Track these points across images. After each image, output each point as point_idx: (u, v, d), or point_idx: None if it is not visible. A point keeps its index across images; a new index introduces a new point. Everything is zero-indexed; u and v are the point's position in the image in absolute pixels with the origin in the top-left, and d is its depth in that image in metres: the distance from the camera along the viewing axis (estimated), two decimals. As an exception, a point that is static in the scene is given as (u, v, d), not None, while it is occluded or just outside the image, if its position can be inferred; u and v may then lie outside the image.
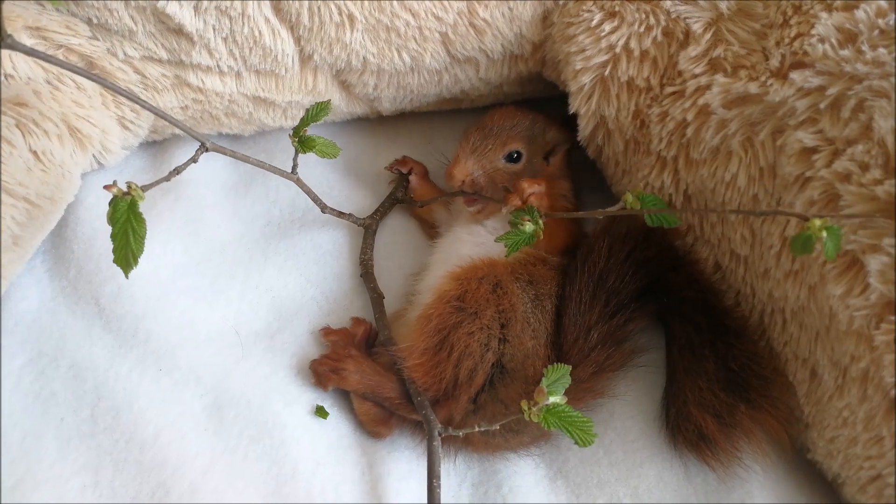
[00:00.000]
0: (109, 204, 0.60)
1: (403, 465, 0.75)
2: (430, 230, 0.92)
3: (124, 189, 0.60)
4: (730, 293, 0.80)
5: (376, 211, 0.91)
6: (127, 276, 0.61)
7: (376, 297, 0.83)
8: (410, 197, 0.93)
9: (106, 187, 0.60)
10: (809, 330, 0.72)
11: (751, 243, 0.76)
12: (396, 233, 0.92)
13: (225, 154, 0.72)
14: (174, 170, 0.67)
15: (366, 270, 0.86)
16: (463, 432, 0.70)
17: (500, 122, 0.86)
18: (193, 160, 0.69)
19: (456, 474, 0.76)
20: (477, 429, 0.69)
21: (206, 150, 0.70)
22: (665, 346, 0.82)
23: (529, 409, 0.64)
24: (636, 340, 0.81)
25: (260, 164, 0.76)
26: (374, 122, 1.04)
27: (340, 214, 0.88)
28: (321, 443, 0.74)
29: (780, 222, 0.72)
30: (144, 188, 0.62)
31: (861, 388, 0.67)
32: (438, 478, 0.68)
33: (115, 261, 0.60)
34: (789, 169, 0.70)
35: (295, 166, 0.79)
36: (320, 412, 0.76)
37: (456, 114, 1.04)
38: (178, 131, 0.95)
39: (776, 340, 0.76)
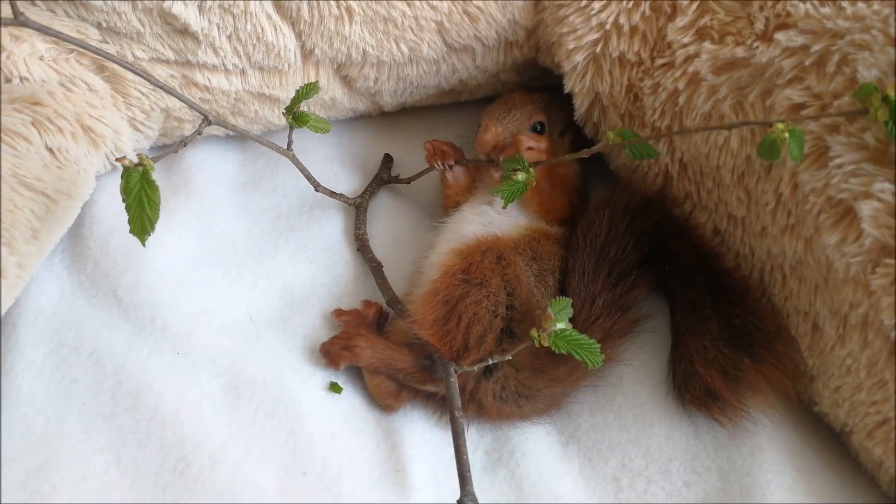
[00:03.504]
0: (122, 176, 0.63)
1: (417, 436, 0.77)
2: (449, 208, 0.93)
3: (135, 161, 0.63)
4: (729, 255, 0.82)
5: (365, 191, 0.95)
6: (143, 244, 0.64)
7: (375, 266, 0.86)
8: (396, 177, 0.97)
9: (118, 160, 0.63)
10: (808, 283, 0.73)
11: (747, 203, 0.77)
12: (401, 219, 0.95)
13: (226, 128, 0.76)
14: (181, 141, 0.71)
15: (362, 244, 0.89)
16: (477, 366, 0.73)
17: (521, 98, 0.90)
18: (198, 132, 0.72)
19: (469, 443, 0.77)
20: (490, 361, 0.72)
21: (210, 123, 0.73)
22: (669, 312, 0.83)
23: (539, 336, 0.66)
24: (640, 308, 0.83)
25: (258, 139, 0.79)
26: (377, 119, 1.06)
27: (332, 194, 0.92)
28: (336, 416, 0.76)
29: (773, 179, 0.74)
30: (154, 159, 0.65)
31: (862, 334, 0.68)
32: (459, 409, 0.71)
33: (131, 230, 0.62)
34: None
35: (290, 143, 0.82)
36: (334, 388, 0.78)
37: (455, 107, 1.07)
38: (187, 133, 0.97)
39: (777, 297, 0.78)
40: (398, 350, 0.77)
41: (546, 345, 0.66)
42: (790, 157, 0.62)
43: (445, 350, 0.75)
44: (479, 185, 0.91)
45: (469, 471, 0.68)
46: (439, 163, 0.90)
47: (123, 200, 0.64)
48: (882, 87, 0.62)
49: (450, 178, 0.91)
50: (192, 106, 0.72)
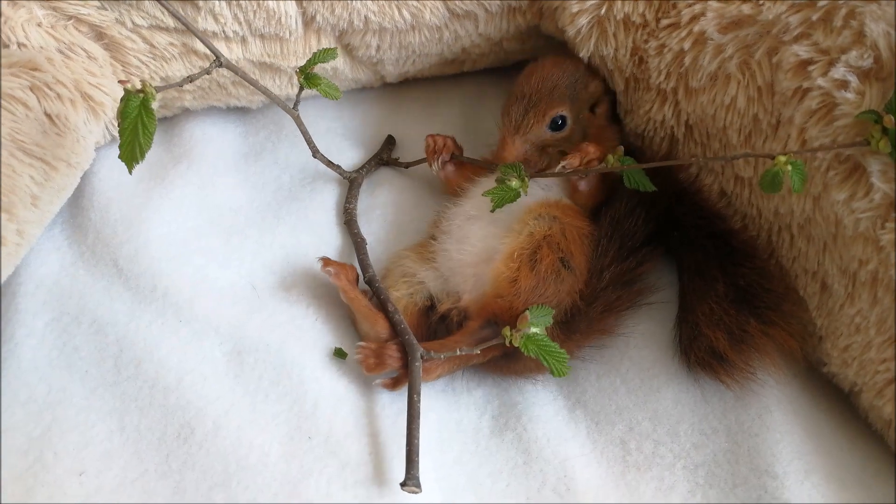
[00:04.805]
0: (121, 100, 0.63)
1: (422, 401, 0.76)
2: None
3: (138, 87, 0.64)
4: (736, 217, 0.81)
5: (362, 167, 0.94)
6: (130, 172, 0.64)
7: (359, 242, 0.86)
8: (396, 159, 0.97)
9: (120, 82, 0.63)
10: (817, 242, 0.73)
11: (754, 164, 0.77)
12: (403, 190, 0.94)
13: (237, 74, 0.76)
14: (188, 77, 0.71)
15: (349, 218, 0.89)
16: (444, 355, 0.72)
17: (538, 87, 0.83)
18: (207, 72, 0.73)
19: (476, 408, 0.77)
20: (459, 352, 0.72)
21: (220, 66, 0.74)
22: (678, 277, 0.82)
23: (511, 334, 0.68)
24: (647, 282, 0.82)
25: (265, 91, 0.80)
26: (380, 91, 1.05)
27: (329, 164, 0.91)
28: (341, 381, 0.76)
29: (780, 138, 0.73)
30: (158, 90, 0.65)
31: (871, 291, 0.68)
32: (419, 394, 0.71)
33: (120, 156, 0.63)
34: (787, 84, 0.71)
35: (297, 103, 0.82)
36: (339, 353, 0.77)
37: (459, 78, 1.06)
38: (187, 104, 0.97)
39: (785, 258, 0.77)
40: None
41: (517, 345, 0.68)
42: (792, 190, 0.65)
43: (505, 312, 0.74)
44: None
45: (418, 455, 0.67)
46: (436, 162, 0.89)
47: (118, 125, 0.64)
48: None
49: (441, 176, 0.89)
50: (201, 39, 0.74)
